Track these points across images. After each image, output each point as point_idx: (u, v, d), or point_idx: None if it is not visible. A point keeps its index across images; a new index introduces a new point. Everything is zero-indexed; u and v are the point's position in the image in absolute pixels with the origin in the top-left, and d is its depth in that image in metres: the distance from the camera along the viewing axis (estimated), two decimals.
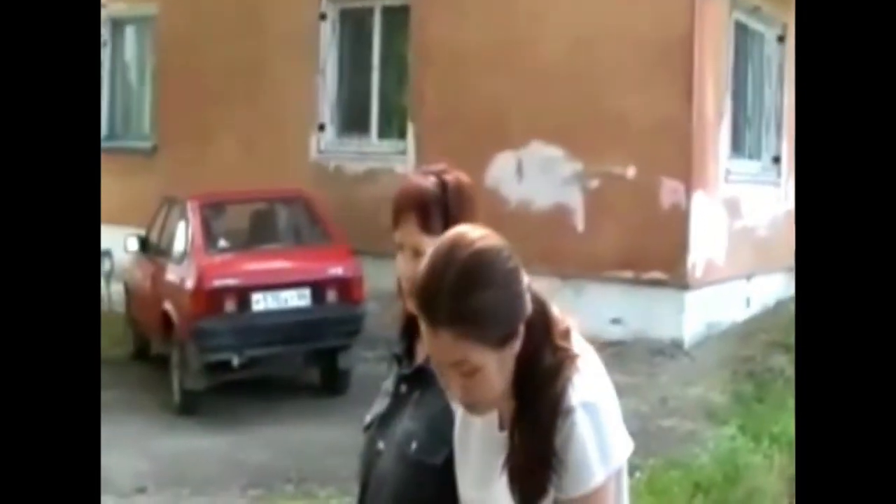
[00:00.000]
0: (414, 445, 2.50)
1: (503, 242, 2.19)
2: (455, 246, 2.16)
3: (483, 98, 11.83)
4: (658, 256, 10.93)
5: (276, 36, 13.44)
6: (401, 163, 12.45)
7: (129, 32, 16.03)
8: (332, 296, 10.15)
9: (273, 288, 10.00)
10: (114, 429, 9.50)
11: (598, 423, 2.13)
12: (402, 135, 12.81)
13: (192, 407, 10.02)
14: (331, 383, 10.50)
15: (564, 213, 11.33)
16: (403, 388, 2.64)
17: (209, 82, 14.15)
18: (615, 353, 10.87)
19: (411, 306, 2.62)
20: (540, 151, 11.50)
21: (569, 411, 2.12)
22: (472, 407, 2.23)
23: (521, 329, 2.17)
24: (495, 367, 2.15)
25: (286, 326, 9.91)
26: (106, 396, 10.27)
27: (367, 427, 2.70)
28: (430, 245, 2.50)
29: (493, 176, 11.57)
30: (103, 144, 14.44)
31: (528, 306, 2.18)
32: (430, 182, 2.59)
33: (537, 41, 11.50)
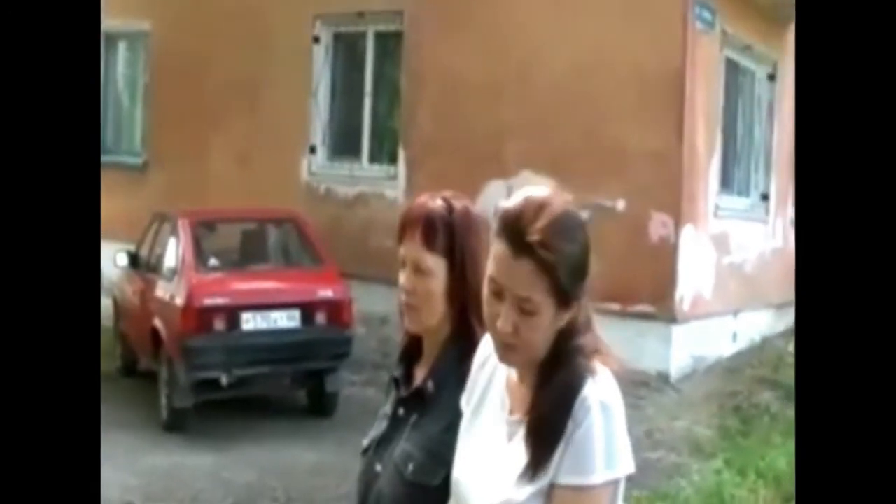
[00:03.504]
0: (411, 467, 2.52)
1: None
2: (553, 197, 2.22)
3: (475, 125, 11.91)
4: (646, 289, 11.00)
5: (269, 57, 13.50)
6: (391, 188, 12.51)
7: (122, 48, 16.06)
8: (321, 318, 10.17)
9: (263, 308, 10.01)
10: (102, 444, 9.51)
11: (610, 425, 2.17)
12: (392, 160, 12.87)
13: (179, 424, 10.00)
14: (318, 405, 10.51)
15: None
16: (401, 411, 2.66)
17: (201, 100, 14.19)
18: None
19: (409, 325, 2.67)
20: (531, 181, 11.51)
21: (586, 401, 2.16)
22: (511, 351, 2.25)
23: (576, 305, 2.23)
24: (548, 322, 2.20)
25: (275, 347, 9.92)
26: None
27: (366, 450, 2.73)
28: (432, 263, 2.57)
29: (484, 204, 11.45)
30: None
31: (585, 291, 2.25)
32: (437, 203, 2.65)
33: (531, 71, 11.59)
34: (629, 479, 7.71)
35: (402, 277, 2.63)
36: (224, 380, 9.87)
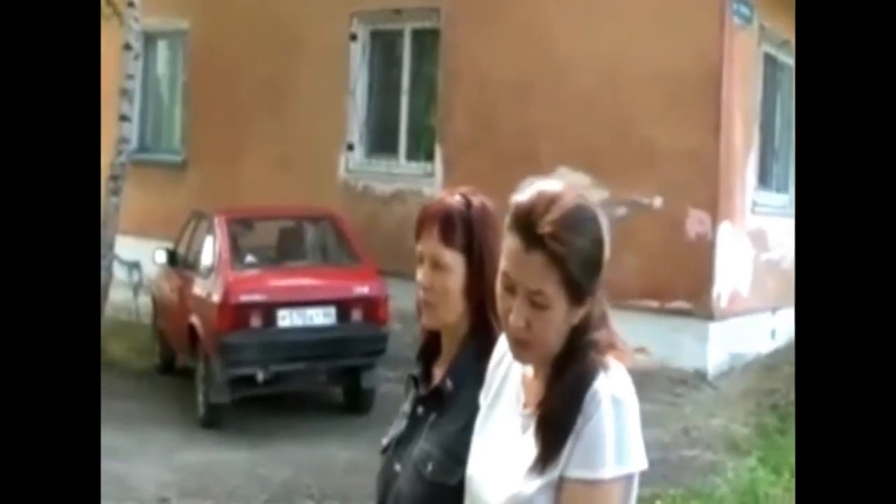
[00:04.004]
0: (430, 467, 2.51)
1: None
2: (567, 190, 2.21)
3: (511, 122, 11.89)
4: (683, 286, 10.95)
5: (307, 55, 13.55)
6: (428, 185, 12.52)
7: (162, 47, 16.18)
8: (357, 315, 10.20)
9: (299, 305, 10.05)
10: (139, 440, 9.61)
11: (622, 420, 2.15)
12: (429, 157, 12.88)
13: (216, 420, 10.07)
14: (354, 402, 10.54)
15: None
16: (420, 410, 2.65)
17: (240, 98, 14.27)
18: (638, 381, 10.77)
19: (426, 321, 2.66)
20: (567, 178, 11.52)
21: (596, 395, 2.14)
22: (524, 346, 2.24)
23: (590, 301, 2.22)
24: (561, 316, 2.19)
25: (311, 343, 9.97)
26: (132, 408, 10.50)
27: (385, 449, 2.72)
28: (450, 259, 2.56)
29: None
30: (134, 157, 14.57)
31: (599, 287, 2.24)
32: (455, 199, 2.64)
33: (568, 68, 11.56)
34: (664, 477, 7.70)
35: (420, 273, 2.62)
36: (260, 376, 9.92)
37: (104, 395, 11.36)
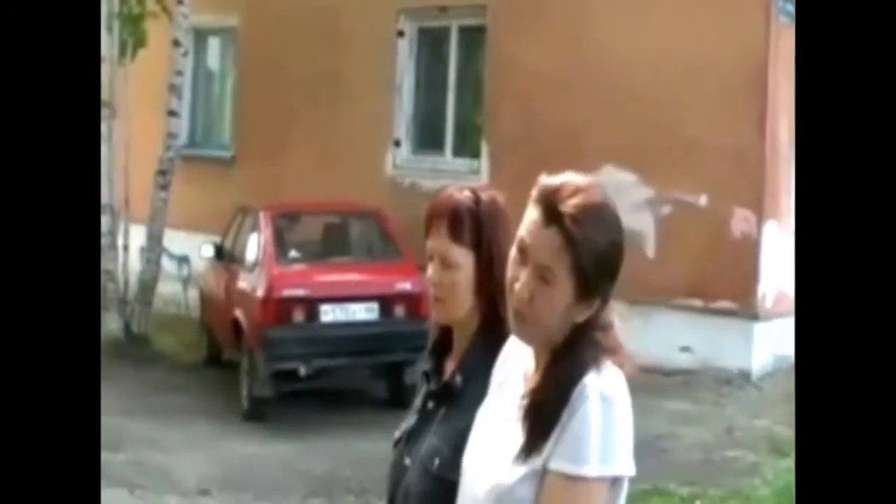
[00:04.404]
0: (437, 462, 2.51)
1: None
2: (599, 188, 2.23)
3: (558, 119, 11.88)
4: (728, 286, 10.89)
5: (354, 51, 13.61)
6: (474, 181, 12.53)
7: (213, 43, 16.31)
8: (399, 310, 10.25)
9: (341, 300, 10.13)
10: (182, 431, 9.73)
11: (610, 419, 2.13)
12: (476, 154, 12.90)
13: (259, 414, 10.17)
14: (397, 397, 10.56)
15: (635, 238, 11.30)
16: (430, 404, 2.66)
17: (288, 94, 14.37)
18: (683, 381, 10.84)
19: (437, 317, 2.67)
20: (612, 175, 11.49)
21: (585, 389, 2.13)
22: (523, 321, 2.24)
23: (596, 303, 2.22)
24: (564, 301, 2.19)
25: (353, 339, 10.03)
26: (178, 400, 10.64)
27: (396, 443, 2.73)
28: (459, 256, 2.57)
29: None
30: (185, 153, 14.75)
31: (610, 293, 2.24)
32: (464, 195, 2.64)
33: (614, 65, 11.53)
34: (706, 477, 7.63)
35: (430, 270, 2.63)
36: (303, 370, 10.00)
37: (151, 387, 11.55)
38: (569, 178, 2.23)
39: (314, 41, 14.00)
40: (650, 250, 11.24)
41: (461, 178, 12.80)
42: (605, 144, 11.51)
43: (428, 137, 13.61)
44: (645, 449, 8.50)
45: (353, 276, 10.61)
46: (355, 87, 13.61)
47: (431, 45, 13.63)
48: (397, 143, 13.57)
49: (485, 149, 12.72)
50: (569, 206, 2.15)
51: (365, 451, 9.24)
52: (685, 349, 11.02)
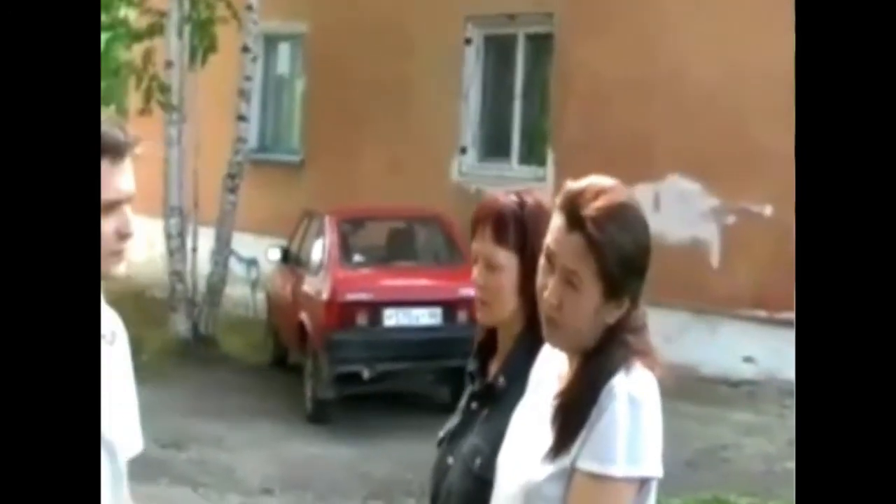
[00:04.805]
0: (478, 461, 2.55)
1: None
2: (619, 188, 2.26)
3: (624, 127, 11.87)
4: (792, 296, 10.77)
5: (422, 58, 13.70)
6: (540, 189, 12.52)
7: (283, 49, 16.51)
8: (462, 316, 10.28)
9: (405, 305, 10.21)
10: (247, 431, 9.87)
11: (637, 420, 2.15)
12: (541, 161, 12.93)
13: (322, 416, 10.28)
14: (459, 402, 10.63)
15: (700, 247, 11.29)
16: (474, 405, 2.71)
17: (355, 99, 14.50)
18: (747, 392, 10.79)
19: (481, 319, 2.72)
20: (678, 184, 11.49)
21: (613, 390, 2.15)
22: (554, 326, 2.27)
23: (625, 303, 2.24)
24: (593, 305, 2.22)
25: (416, 343, 10.10)
26: (243, 401, 10.79)
27: (440, 442, 2.78)
28: (503, 258, 2.61)
29: None
30: (255, 157, 14.94)
31: (640, 293, 2.26)
32: (509, 199, 2.67)
33: (680, 74, 11.49)
34: (766, 489, 7.57)
35: (475, 272, 2.68)
36: (366, 374, 10.09)
37: (217, 388, 11.70)
38: (592, 181, 2.26)
39: (382, 48, 14.11)
40: (715, 260, 11.20)
41: (527, 186, 12.85)
42: (672, 152, 11.49)
43: (494, 145, 13.67)
44: (707, 459, 8.48)
45: (416, 281, 10.69)
46: (422, 94, 13.70)
47: (498, 52, 13.69)
48: (463, 150, 13.64)
49: (550, 156, 12.74)
50: (591, 209, 2.19)
51: (426, 456, 9.20)
52: (749, 359, 10.95)
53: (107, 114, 2.52)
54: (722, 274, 11.08)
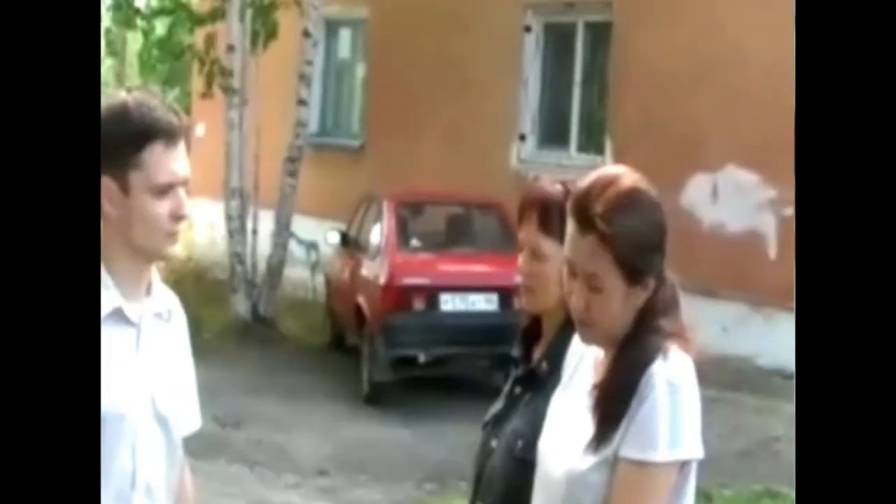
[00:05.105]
0: (520, 444, 2.61)
1: (660, 200, 2.33)
2: (624, 174, 2.31)
3: (682, 118, 11.84)
4: None
5: (482, 44, 13.73)
6: None
7: (343, 34, 16.63)
8: (518, 302, 10.34)
9: (461, 290, 10.29)
10: (303, 412, 10.00)
11: (677, 405, 2.20)
12: (599, 150, 12.92)
13: (378, 398, 10.40)
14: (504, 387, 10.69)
15: (757, 239, 11.25)
16: (518, 389, 2.77)
17: (416, 86, 14.57)
18: None
19: (526, 306, 2.77)
20: (735, 175, 11.45)
21: (652, 378, 2.20)
22: (585, 327, 2.33)
23: (650, 284, 2.29)
24: (618, 298, 2.27)
25: (472, 329, 10.18)
26: (301, 382, 10.93)
27: (485, 426, 2.85)
28: (548, 247, 2.65)
29: (689, 196, 11.57)
30: (315, 141, 15.09)
31: (663, 268, 2.31)
32: (555, 188, 2.71)
33: (739, 65, 11.43)
34: None
35: (520, 259, 2.73)
36: (422, 357, 10.20)
37: (274, 369, 11.85)
38: (597, 175, 2.31)
39: (443, 34, 14.17)
40: (772, 251, 11.15)
41: (585, 174, 12.86)
42: (729, 143, 11.44)
43: (553, 132, 13.68)
44: (760, 450, 8.49)
45: (473, 267, 10.77)
46: (482, 81, 13.74)
47: (557, 40, 13.69)
48: (522, 138, 13.67)
49: (609, 145, 12.75)
50: (598, 207, 2.23)
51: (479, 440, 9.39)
52: None
53: (170, 96, 2.61)
54: (779, 266, 11.02)
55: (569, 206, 2.31)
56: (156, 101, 2.53)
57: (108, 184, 2.45)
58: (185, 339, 2.71)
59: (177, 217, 2.52)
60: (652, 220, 2.30)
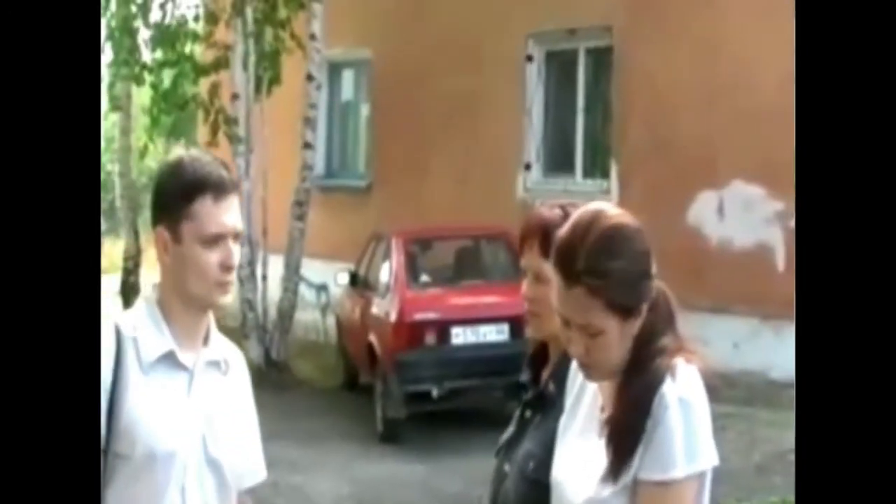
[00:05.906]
0: (531, 465, 2.62)
1: (640, 225, 2.34)
2: (599, 215, 2.32)
3: (686, 137, 11.82)
4: None
5: (484, 77, 13.76)
6: (605, 202, 12.52)
7: (347, 75, 16.70)
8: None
9: (472, 322, 10.27)
10: (319, 453, 9.98)
11: (690, 421, 2.22)
12: (605, 174, 12.91)
13: (393, 435, 10.37)
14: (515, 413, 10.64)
15: (765, 252, 11.19)
16: (527, 413, 2.79)
17: (420, 122, 14.61)
18: None
19: (532, 331, 2.77)
20: (742, 190, 11.41)
21: (664, 398, 2.22)
22: (589, 369, 2.36)
23: (644, 310, 2.30)
24: (616, 336, 2.29)
25: (484, 360, 10.14)
26: (315, 423, 10.91)
27: (498, 452, 2.86)
28: (550, 271, 2.63)
29: (696, 214, 11.54)
30: (322, 183, 15.13)
31: (653, 290, 2.32)
32: (554, 213, 2.73)
33: (742, 82, 11.42)
34: None
35: (524, 285, 2.75)
36: (435, 392, 10.17)
37: (290, 412, 11.81)
38: (575, 220, 2.32)
39: (444, 69, 14.22)
40: (780, 264, 11.08)
41: (591, 199, 12.77)
42: (734, 159, 11.41)
43: (558, 160, 13.68)
44: (776, 463, 8.40)
45: (483, 299, 10.74)
46: (486, 114, 13.76)
47: (560, 67, 13.71)
48: (528, 167, 13.67)
49: (614, 168, 12.73)
50: (581, 259, 2.26)
51: None
52: None
53: (181, 148, 2.69)
54: (788, 278, 10.94)
55: (552, 260, 2.34)
56: (208, 157, 2.68)
57: (162, 234, 2.60)
58: (246, 392, 2.85)
59: (226, 267, 2.62)
60: (635, 253, 2.31)
